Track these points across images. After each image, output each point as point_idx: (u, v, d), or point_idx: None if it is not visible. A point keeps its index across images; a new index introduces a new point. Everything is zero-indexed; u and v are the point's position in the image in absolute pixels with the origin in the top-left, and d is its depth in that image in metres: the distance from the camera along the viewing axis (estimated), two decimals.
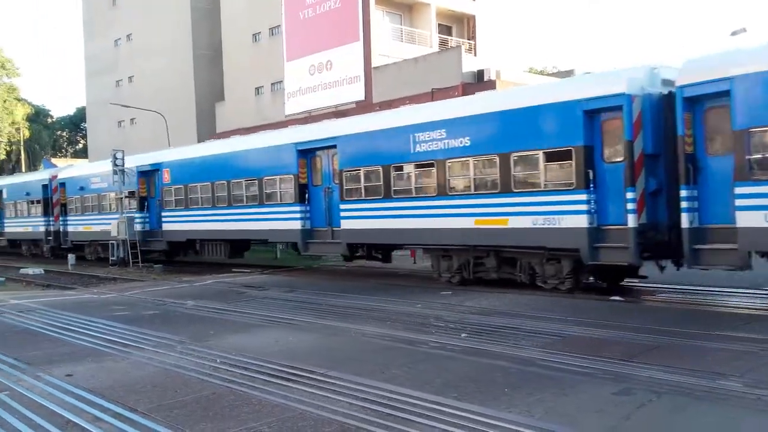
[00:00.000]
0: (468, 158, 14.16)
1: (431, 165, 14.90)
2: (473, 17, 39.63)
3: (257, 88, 44.10)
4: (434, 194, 14.82)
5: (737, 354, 7.58)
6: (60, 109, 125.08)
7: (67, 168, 32.03)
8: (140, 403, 6.35)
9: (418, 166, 15.27)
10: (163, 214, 23.38)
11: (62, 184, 29.43)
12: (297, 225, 18.30)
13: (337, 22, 36.82)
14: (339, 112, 33.28)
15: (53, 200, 29.90)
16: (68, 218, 29.08)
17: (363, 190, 16.47)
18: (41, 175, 32.25)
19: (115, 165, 24.28)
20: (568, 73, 32.84)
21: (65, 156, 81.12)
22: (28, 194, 31.86)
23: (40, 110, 77.99)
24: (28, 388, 7.07)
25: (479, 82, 30.11)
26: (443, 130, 14.59)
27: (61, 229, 29.43)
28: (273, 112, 40.99)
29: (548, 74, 45.82)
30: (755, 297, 12.13)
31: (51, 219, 30.06)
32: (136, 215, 24.17)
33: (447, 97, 22.71)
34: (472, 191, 14.13)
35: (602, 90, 12.01)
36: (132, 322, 11.33)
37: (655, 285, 13.42)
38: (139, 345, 9.25)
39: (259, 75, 43.43)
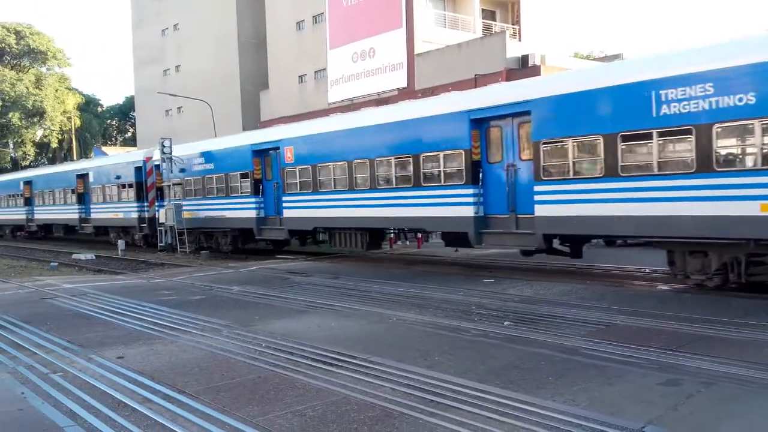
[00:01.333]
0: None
1: (686, 132, 10.99)
2: (518, 1, 39.01)
3: (301, 76, 44.38)
4: (693, 170, 10.91)
5: None
6: (109, 98, 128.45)
7: (174, 148, 27.83)
8: (188, 386, 6.51)
9: (664, 135, 11.34)
10: (285, 198, 20.01)
11: (159, 166, 26.06)
12: (468, 211, 14.73)
13: (380, 9, 36.73)
14: (381, 100, 33.26)
15: (148, 184, 26.89)
16: (166, 203, 25.70)
17: (571, 167, 12.71)
18: (134, 156, 29.25)
19: (163, 153, 24.72)
20: (616, 57, 32.13)
21: (115, 144, 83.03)
22: (118, 178, 29.03)
23: (90, 99, 80.00)
24: (81, 370, 7.31)
25: (524, 67, 29.72)
26: (711, 84, 10.61)
27: (157, 216, 26.37)
28: (316, 100, 41.23)
29: (594, 59, 44.90)
30: None
31: (145, 204, 27.15)
32: (250, 200, 21.15)
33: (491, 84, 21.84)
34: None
35: None
36: (180, 306, 11.59)
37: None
38: (187, 329, 9.47)
39: (302, 63, 43.69)
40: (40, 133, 68.01)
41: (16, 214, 40.85)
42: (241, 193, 21.38)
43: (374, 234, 18.89)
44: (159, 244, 26.22)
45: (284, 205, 20.03)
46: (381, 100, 33.03)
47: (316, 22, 42.54)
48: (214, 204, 22.94)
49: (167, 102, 53.22)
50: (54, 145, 72.58)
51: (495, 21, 39.12)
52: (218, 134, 33.99)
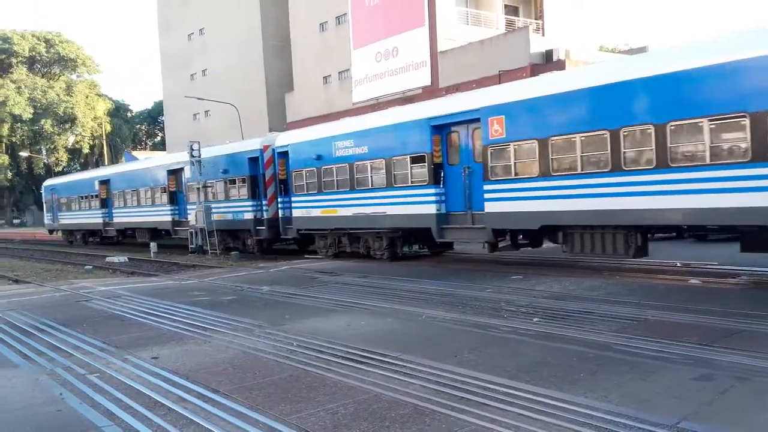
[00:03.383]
0: None
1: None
2: None
3: (325, 77, 44.57)
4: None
5: None
6: (139, 103, 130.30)
7: (284, 134, 23.65)
8: (222, 385, 6.61)
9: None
10: (488, 187, 15.11)
11: (284, 154, 21.90)
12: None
13: (403, 7, 36.74)
14: (406, 99, 33.26)
15: (266, 177, 22.57)
16: (293, 199, 21.42)
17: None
18: (247, 145, 24.29)
19: (192, 156, 25.03)
20: (641, 50, 31.71)
21: (144, 149, 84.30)
22: (225, 172, 24.62)
23: (120, 105, 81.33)
24: (117, 371, 7.46)
25: (548, 62, 29.48)
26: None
27: (280, 215, 22.11)
28: (341, 101, 41.38)
29: (620, 52, 44.35)
30: None
31: (263, 202, 22.89)
32: (428, 191, 16.56)
33: (515, 80, 21.37)
34: None
35: None
36: (211, 307, 11.75)
37: (730, 268, 12.90)
38: (219, 329, 9.60)
39: (326, 64, 43.88)
40: (71, 139, 69.34)
41: (89, 217, 36.71)
42: (412, 182, 16.91)
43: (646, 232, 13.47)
44: (190, 246, 26.54)
45: (488, 195, 14.97)
46: (406, 99, 33.04)
47: (339, 23, 42.70)
48: (365, 198, 18.55)
49: (195, 106, 53.84)
50: (86, 150, 73.97)
51: (518, 16, 38.88)
52: (246, 137, 34.14)
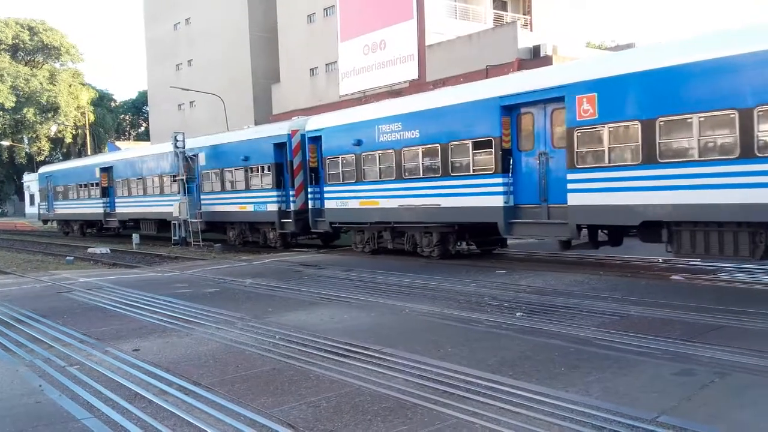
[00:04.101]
0: None
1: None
2: None
3: (312, 69, 44.39)
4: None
5: None
6: (123, 93, 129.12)
7: (317, 117, 21.10)
8: (204, 378, 6.57)
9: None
10: (573, 176, 12.93)
11: (315, 140, 19.88)
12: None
13: (391, 0, 36.62)
14: (393, 92, 33.21)
15: (293, 165, 20.55)
16: (325, 189, 19.50)
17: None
18: (272, 129, 22.34)
19: (176, 147, 24.83)
20: (628, 47, 31.86)
21: (128, 139, 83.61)
22: (246, 159, 22.60)
23: (104, 95, 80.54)
24: (98, 363, 7.39)
25: (535, 58, 29.55)
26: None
27: (310, 206, 20.04)
28: (328, 93, 41.24)
29: (606, 48, 44.54)
30: None
31: (289, 193, 20.99)
32: (496, 180, 14.41)
33: (503, 75, 20.88)
34: None
35: None
36: (194, 299, 11.68)
37: (713, 264, 13.02)
38: (201, 321, 9.54)
39: (313, 56, 43.69)
40: (54, 128, 68.52)
41: (88, 207, 34.65)
42: (474, 171, 14.94)
43: None
44: (173, 238, 26.38)
45: (574, 186, 13.00)
46: (393, 92, 32.99)
47: (327, 15, 42.50)
48: (414, 189, 16.52)
49: (180, 96, 53.43)
50: (68, 140, 73.20)
51: (506, 11, 38.91)
52: (230, 128, 33.93)
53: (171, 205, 26.19)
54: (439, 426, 5.03)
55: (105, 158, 35.65)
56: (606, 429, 4.84)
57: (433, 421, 5.14)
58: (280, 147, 21.17)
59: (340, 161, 18.68)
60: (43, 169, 43.29)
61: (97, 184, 33.37)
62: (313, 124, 20.07)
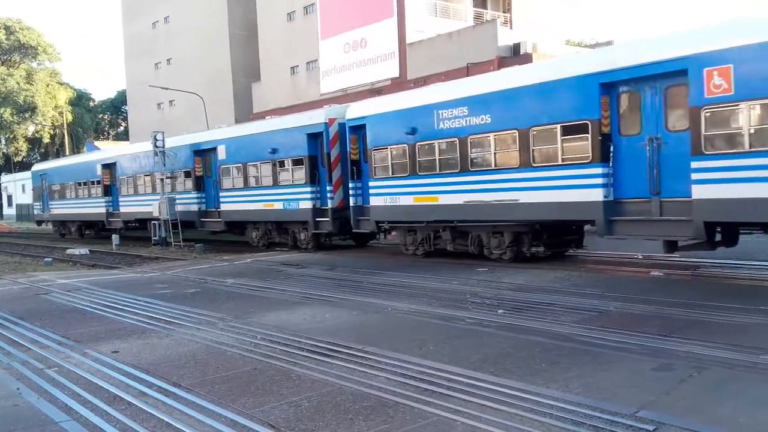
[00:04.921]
0: None
1: None
2: None
3: (292, 68, 44.21)
4: None
5: None
6: (101, 92, 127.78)
7: (359, 104, 18.86)
8: (184, 379, 6.52)
9: None
10: (701, 164, 11.00)
11: (357, 129, 17.91)
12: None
13: None
14: (375, 90, 33.19)
15: (331, 157, 18.64)
16: (370, 184, 17.50)
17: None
18: (305, 118, 19.89)
19: (156, 146, 24.63)
20: (607, 44, 32.09)
21: (107, 139, 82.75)
22: (273, 151, 20.37)
23: (82, 94, 79.61)
24: (76, 365, 7.31)
25: (515, 55, 29.67)
26: None
27: (351, 203, 18.21)
28: (308, 91, 41.10)
29: (586, 46, 44.84)
30: None
31: (326, 188, 18.89)
32: (593, 171, 12.48)
33: (483, 73, 20.74)
34: None
35: None
36: (174, 300, 11.59)
37: (691, 260, 13.18)
38: (182, 322, 9.48)
39: (294, 54, 43.51)
40: (32, 128, 67.71)
41: (89, 207, 32.04)
42: (564, 160, 12.95)
43: None
44: (153, 238, 26.13)
45: (701, 176, 10.96)
46: (374, 90, 32.96)
47: (307, 13, 42.33)
48: (484, 182, 14.50)
49: (159, 95, 52.97)
50: (46, 140, 72.33)
51: (486, 9, 39.02)
52: (210, 127, 33.67)
53: (185, 203, 24.42)
54: (420, 424, 5.04)
55: (108, 154, 32.63)
56: (586, 424, 4.88)
57: (415, 419, 5.14)
58: (314, 137, 19.11)
59: (389, 152, 16.62)
60: (36, 167, 40.42)
61: (98, 182, 30.74)
62: (355, 111, 17.99)
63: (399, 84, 31.96)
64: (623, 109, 12.25)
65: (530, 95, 13.50)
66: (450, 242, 15.80)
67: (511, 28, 36.96)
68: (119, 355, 7.66)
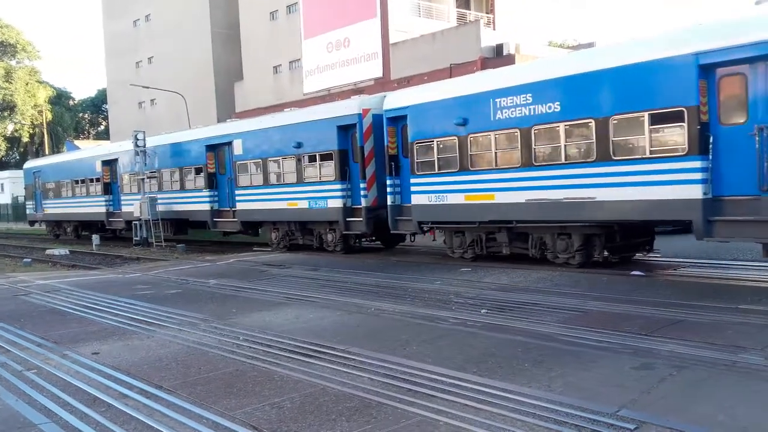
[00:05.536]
0: None
1: None
2: None
3: (275, 67, 44.09)
4: None
5: (759, 327, 7.53)
6: (81, 91, 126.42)
7: (398, 93, 17.43)
8: (165, 380, 6.47)
9: None
10: None
11: (395, 120, 16.38)
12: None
13: None
14: (358, 90, 33.17)
15: (365, 151, 17.10)
16: (412, 181, 15.90)
17: None
18: (336, 108, 18.42)
19: (137, 146, 24.43)
20: (589, 46, 32.32)
21: (87, 138, 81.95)
22: (298, 146, 18.76)
23: (61, 93, 78.81)
24: (56, 367, 7.23)
25: (498, 56, 29.80)
26: None
27: (389, 202, 16.52)
28: (291, 91, 41.00)
29: (568, 47, 45.15)
30: None
31: (359, 186, 17.35)
32: (690, 165, 11.21)
33: (466, 73, 20.62)
34: None
35: None
36: (156, 300, 11.50)
37: (672, 260, 13.32)
38: (163, 323, 9.40)
39: (277, 53, 43.39)
40: (11, 127, 66.89)
41: (87, 206, 30.24)
42: (653, 153, 11.51)
43: None
44: (134, 239, 25.88)
45: None
46: (358, 90, 32.95)
47: (290, 12, 42.23)
48: (551, 179, 13.06)
49: (140, 94, 52.57)
50: (25, 139, 71.53)
51: (469, 10, 39.18)
52: (192, 126, 33.42)
53: (196, 202, 23.08)
54: (403, 424, 5.04)
55: (108, 150, 30.08)
56: (568, 423, 4.90)
57: (398, 419, 5.14)
58: (344, 130, 17.63)
59: (435, 146, 15.16)
60: (29, 164, 38.27)
61: (98, 180, 29.02)
62: (395, 101, 16.48)
63: (382, 84, 31.99)
64: (725, 94, 10.82)
65: (611, 79, 12.06)
66: (506, 245, 14.46)
67: (494, 29, 37.16)
68: (99, 356, 7.58)
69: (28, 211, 37.00)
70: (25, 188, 38.36)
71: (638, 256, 14.01)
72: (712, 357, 6.40)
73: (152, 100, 54.66)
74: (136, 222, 25.42)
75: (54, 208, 33.56)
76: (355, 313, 9.59)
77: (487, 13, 39.04)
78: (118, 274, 16.58)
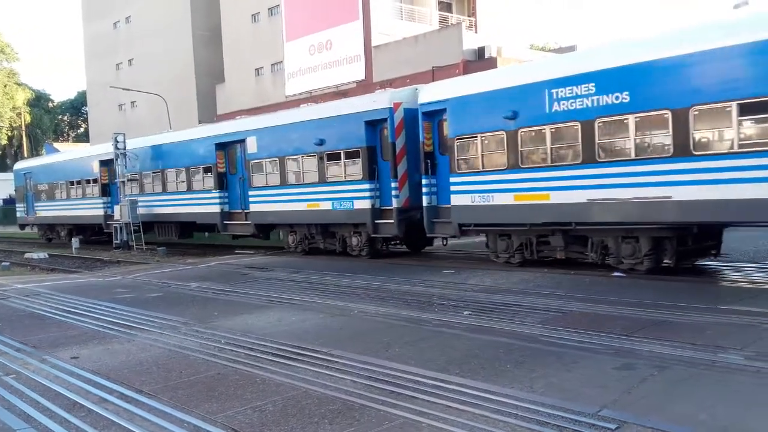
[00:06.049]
0: None
1: None
2: None
3: (257, 69, 43.96)
4: None
5: (739, 327, 7.61)
6: (61, 93, 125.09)
7: (435, 85, 16.79)
8: (146, 385, 6.40)
9: None
10: None
11: (431, 114, 15.25)
12: None
13: (337, 1, 36.55)
14: (340, 92, 33.15)
15: (396, 148, 15.90)
16: (452, 180, 14.68)
17: None
18: (364, 102, 17.16)
19: (117, 149, 24.23)
20: (570, 49, 32.59)
21: (67, 140, 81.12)
22: (321, 143, 17.46)
23: (40, 95, 77.99)
24: (35, 372, 7.13)
25: (480, 59, 29.95)
26: None
27: (425, 203, 15.34)
28: (274, 93, 40.89)
29: (549, 50, 45.48)
30: (755, 271, 12.14)
31: (390, 185, 16.16)
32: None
33: (448, 76, 20.76)
34: None
35: None
36: (136, 304, 11.39)
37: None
38: (144, 327, 9.31)
39: (259, 56, 43.27)
40: None
41: (84, 208, 28.59)
42: (740, 148, 10.27)
43: None
44: (114, 242, 25.64)
45: None
46: (340, 93, 32.93)
47: (272, 15, 42.14)
48: (615, 176, 11.87)
49: (121, 96, 52.15)
50: (3, 142, 70.63)
51: (451, 13, 39.32)
52: (174, 128, 33.12)
53: (204, 204, 21.80)
54: (386, 426, 5.03)
55: (106, 149, 27.48)
56: (550, 424, 4.92)
57: (381, 421, 5.13)
58: (372, 125, 16.42)
59: (478, 142, 13.97)
60: (19, 165, 36.64)
61: (95, 181, 27.61)
62: (431, 93, 15.30)
63: (365, 87, 32.00)
64: None
65: (689, 66, 10.87)
66: (561, 249, 13.26)
67: (476, 32, 37.32)
68: (79, 361, 7.49)
69: (18, 214, 35.31)
70: (15, 190, 36.66)
71: (720, 262, 13.08)
72: (692, 357, 6.46)
73: (132, 103, 54.24)
74: (116, 225, 25.20)
75: (47, 210, 32.02)
76: (338, 316, 9.56)
77: (469, 16, 39.21)
78: (98, 277, 16.41)
